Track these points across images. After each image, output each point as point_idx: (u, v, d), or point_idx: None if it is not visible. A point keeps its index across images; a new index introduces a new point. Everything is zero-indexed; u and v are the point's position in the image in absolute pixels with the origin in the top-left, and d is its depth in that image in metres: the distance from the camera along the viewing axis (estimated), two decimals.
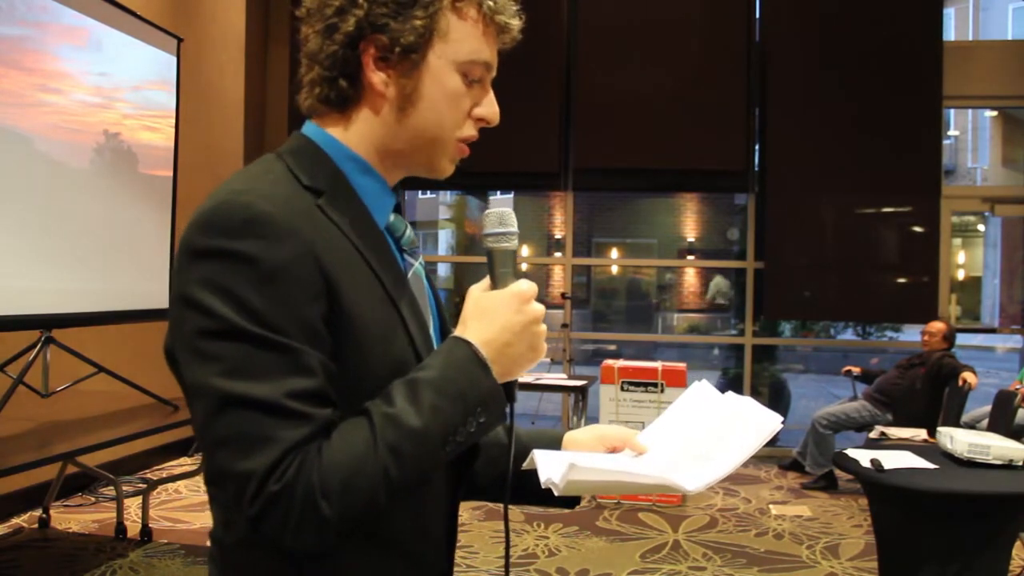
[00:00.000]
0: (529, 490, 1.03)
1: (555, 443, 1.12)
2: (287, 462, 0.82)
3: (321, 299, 0.86)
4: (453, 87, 0.97)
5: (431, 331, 1.02)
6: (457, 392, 0.89)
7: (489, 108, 1.01)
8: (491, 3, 0.97)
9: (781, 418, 1.07)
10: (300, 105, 1.00)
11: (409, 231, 1.03)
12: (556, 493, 0.96)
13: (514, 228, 0.98)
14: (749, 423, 1.07)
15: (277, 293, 0.84)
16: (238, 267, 0.84)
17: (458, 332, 0.94)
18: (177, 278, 0.87)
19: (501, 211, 0.98)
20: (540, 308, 0.96)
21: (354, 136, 0.98)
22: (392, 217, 1.01)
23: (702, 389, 1.16)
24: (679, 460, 1.05)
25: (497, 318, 0.93)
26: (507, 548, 1.10)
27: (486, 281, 0.98)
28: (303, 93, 0.99)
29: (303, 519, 0.82)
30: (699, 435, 1.09)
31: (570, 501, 1.12)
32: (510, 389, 0.96)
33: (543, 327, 0.96)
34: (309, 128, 1.00)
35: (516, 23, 1.00)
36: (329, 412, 0.86)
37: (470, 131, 1.00)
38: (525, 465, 1.02)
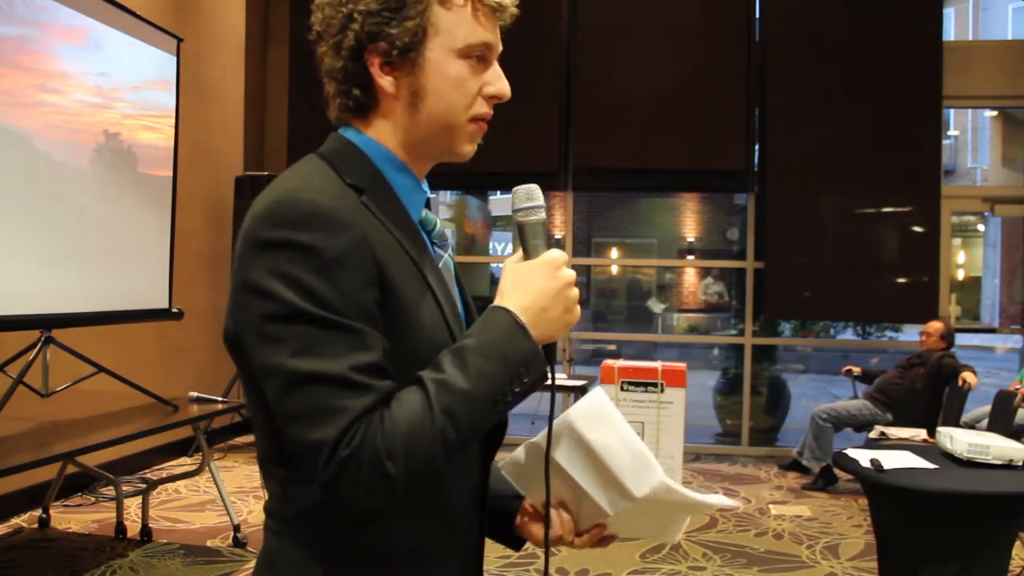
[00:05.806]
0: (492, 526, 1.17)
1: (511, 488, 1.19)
2: (354, 430, 0.88)
3: (374, 285, 0.93)
4: (455, 74, 1.02)
5: (461, 317, 1.08)
6: (500, 356, 0.95)
7: (498, 84, 1.05)
8: None
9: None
10: (331, 119, 1.08)
11: (439, 225, 1.09)
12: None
13: (541, 202, 1.05)
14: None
15: (337, 279, 0.90)
16: (301, 256, 0.90)
17: (497, 302, 1.00)
18: (240, 268, 0.93)
19: (528, 187, 1.05)
20: (572, 273, 1.01)
21: (380, 137, 1.04)
22: (424, 212, 1.08)
23: (597, 401, 1.15)
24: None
25: (533, 285, 0.99)
26: (547, 517, 1.18)
27: (519, 254, 1.04)
28: (330, 107, 1.07)
29: (372, 480, 0.88)
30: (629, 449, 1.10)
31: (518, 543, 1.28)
32: (550, 351, 1.02)
33: (576, 291, 1.02)
34: (346, 131, 1.07)
35: (507, 0, 1.03)
36: (389, 383, 0.92)
37: (483, 109, 1.05)
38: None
